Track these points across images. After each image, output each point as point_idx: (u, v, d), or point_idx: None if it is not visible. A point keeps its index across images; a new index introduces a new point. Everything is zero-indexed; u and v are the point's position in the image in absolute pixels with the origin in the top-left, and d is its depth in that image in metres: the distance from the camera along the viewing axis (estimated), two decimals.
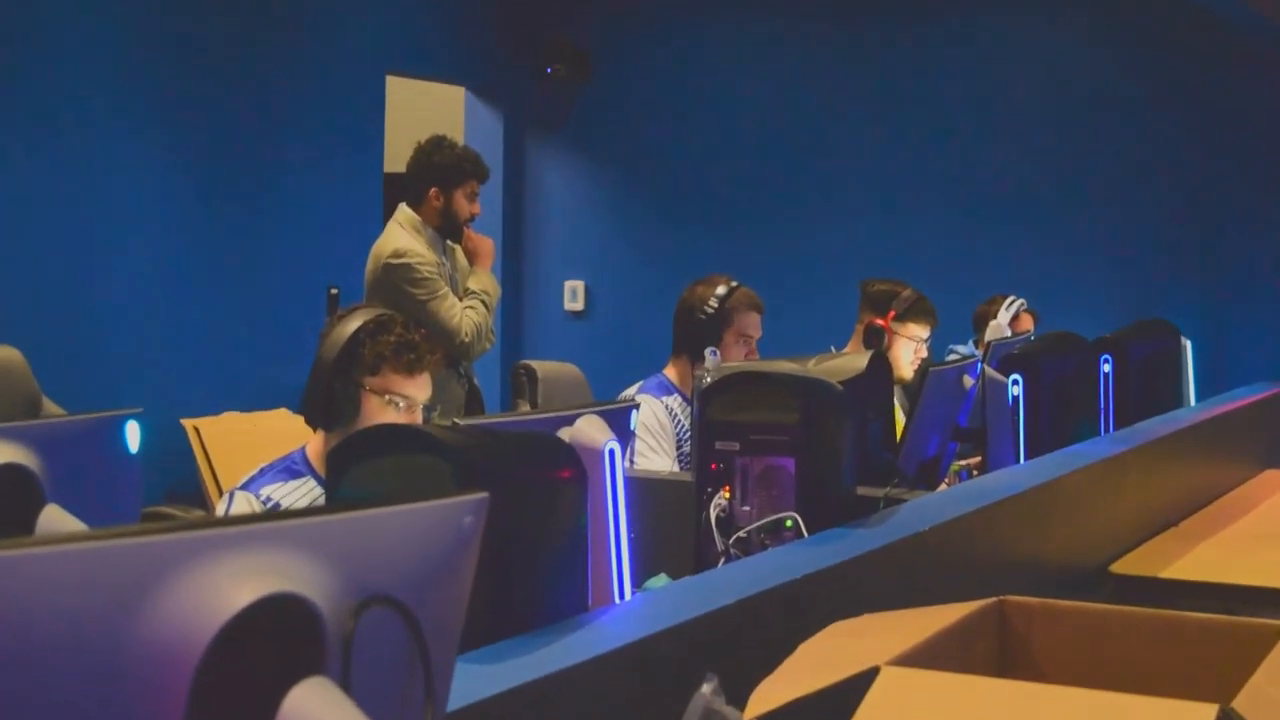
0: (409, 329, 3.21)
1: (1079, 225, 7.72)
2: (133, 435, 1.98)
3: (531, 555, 2.10)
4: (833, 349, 5.17)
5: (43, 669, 1.06)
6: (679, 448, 4.35)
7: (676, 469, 4.31)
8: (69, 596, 1.06)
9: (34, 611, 1.05)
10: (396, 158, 7.41)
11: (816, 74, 8.12)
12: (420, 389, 3.17)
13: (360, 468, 1.96)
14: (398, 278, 5.08)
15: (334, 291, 6.68)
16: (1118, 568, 3.70)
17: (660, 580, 2.98)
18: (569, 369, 4.69)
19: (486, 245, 5.36)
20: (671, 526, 3.13)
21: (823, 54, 8.12)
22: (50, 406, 4.46)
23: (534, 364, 4.51)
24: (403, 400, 3.15)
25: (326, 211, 6.72)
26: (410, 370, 3.14)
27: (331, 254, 6.73)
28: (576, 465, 2.24)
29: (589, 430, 2.59)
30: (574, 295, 8.38)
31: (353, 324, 3.18)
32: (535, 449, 2.21)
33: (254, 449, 5.08)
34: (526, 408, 4.35)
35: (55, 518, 1.71)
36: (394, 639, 1.24)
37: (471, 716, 1.65)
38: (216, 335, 6.15)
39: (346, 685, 1.16)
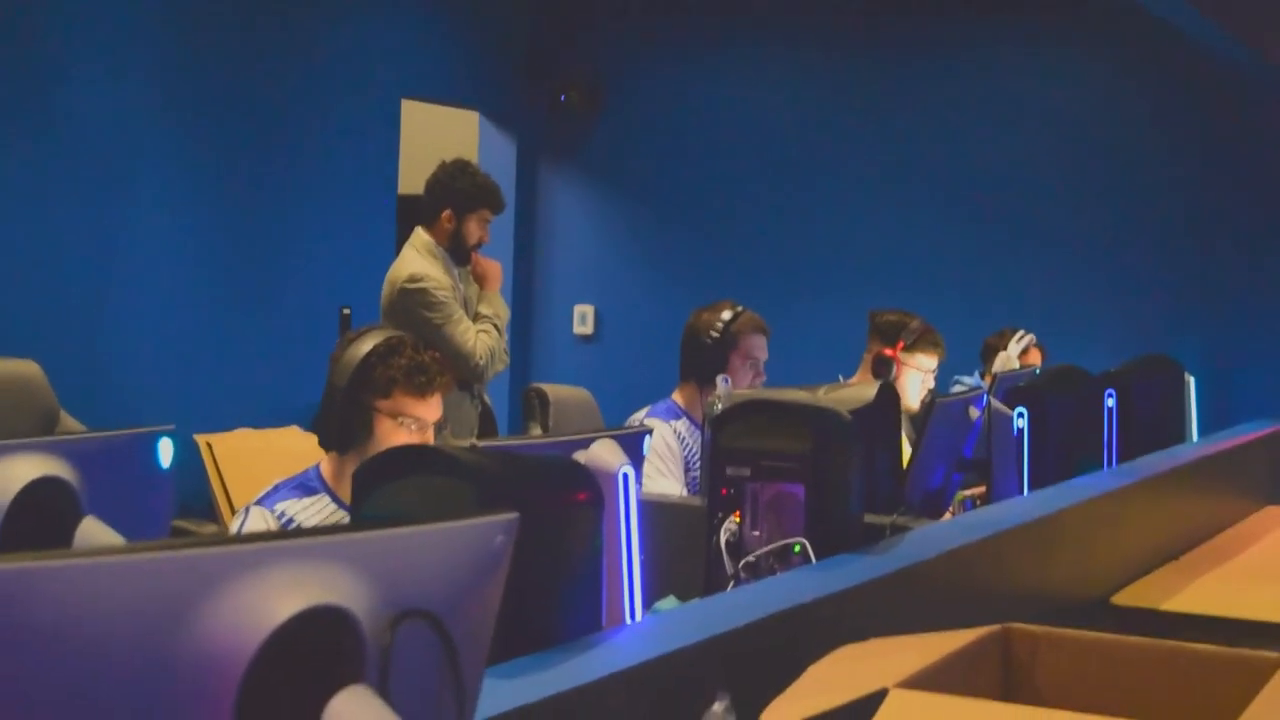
0: (419, 351, 3.25)
1: (1085, 260, 7.78)
2: (165, 451, 2.04)
3: (548, 575, 2.15)
4: (840, 378, 5.22)
5: (96, 676, 1.11)
6: (687, 472, 4.40)
7: (685, 493, 4.36)
8: (122, 606, 1.11)
9: (88, 620, 1.10)
10: (410, 180, 7.47)
11: (827, 104, 8.19)
12: (431, 410, 3.21)
13: (385, 487, 2.01)
14: (413, 302, 5.13)
15: (346, 311, 6.74)
16: (1119, 599, 3.74)
17: (670, 602, 3.03)
18: (580, 393, 4.74)
19: (495, 269, 5.41)
20: (680, 549, 3.18)
21: (834, 84, 8.19)
22: (68, 420, 4.51)
23: (545, 387, 4.56)
24: (414, 422, 3.19)
25: (341, 232, 6.78)
26: (421, 392, 3.19)
27: (345, 274, 6.79)
28: (593, 488, 2.29)
29: (603, 454, 2.64)
30: (583, 319, 8.43)
31: (364, 346, 3.22)
32: (553, 472, 2.26)
33: (265, 465, 5.13)
34: (538, 430, 4.41)
35: (93, 530, 1.76)
36: (428, 651, 1.29)
37: None
38: (231, 352, 6.21)
39: (385, 694, 1.21)
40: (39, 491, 1.79)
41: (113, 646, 1.11)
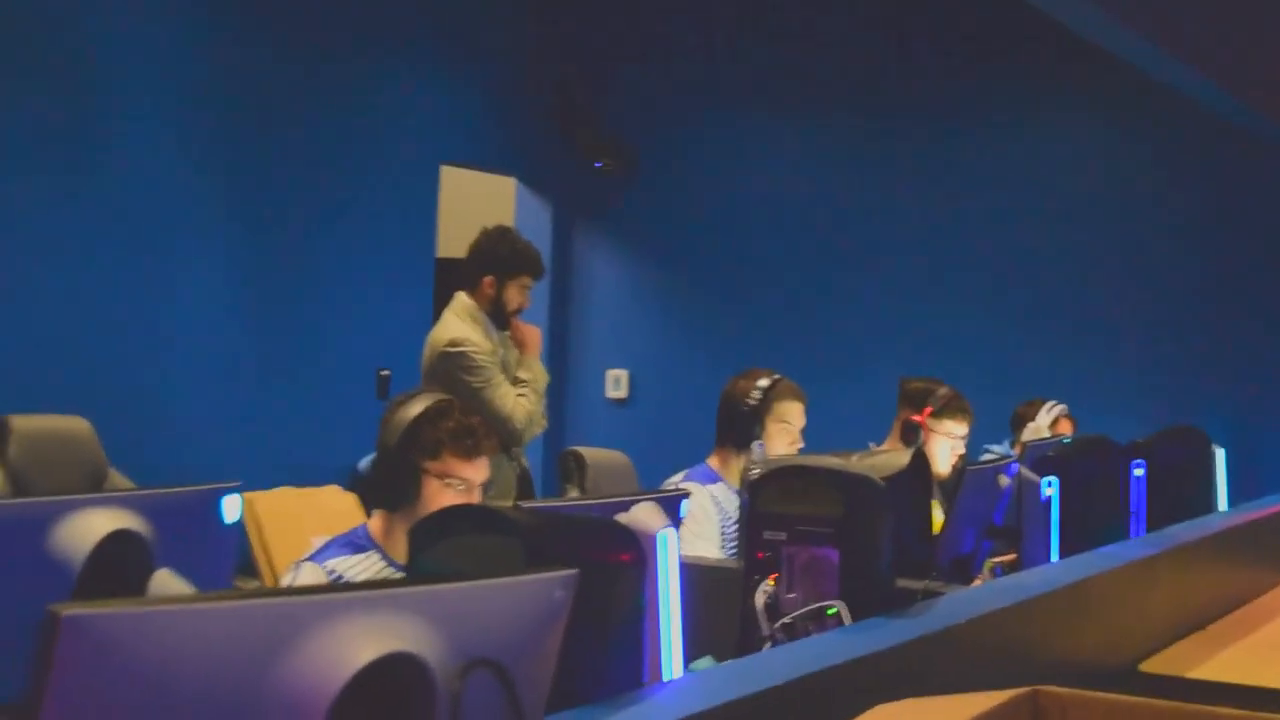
0: (467, 414, 3.34)
1: (1114, 332, 7.84)
2: (230, 507, 2.12)
3: (593, 632, 2.22)
4: (871, 445, 5.28)
5: (193, 714, 1.20)
6: (724, 535, 4.47)
7: (722, 555, 4.43)
8: (219, 649, 1.20)
9: (189, 661, 1.18)
10: (448, 244, 7.59)
11: (859, 174, 8.28)
12: (478, 472, 3.30)
13: (439, 544, 2.09)
14: (453, 365, 5.21)
15: (385, 373, 6.84)
16: (1147, 667, 3.78)
17: (706, 662, 3.09)
18: (616, 456, 4.80)
19: (534, 335, 5.50)
20: (716, 611, 3.24)
21: (866, 155, 8.29)
22: (116, 477, 4.60)
23: (582, 450, 4.63)
24: (461, 483, 3.27)
25: (379, 295, 6.89)
26: (469, 455, 3.27)
27: (383, 336, 6.89)
28: (637, 549, 2.37)
29: (644, 516, 2.72)
30: (617, 384, 8.52)
31: (414, 409, 3.31)
32: (599, 532, 2.34)
33: (305, 523, 5.21)
34: (575, 492, 4.48)
35: (166, 581, 1.85)
36: (492, 698, 1.36)
37: None
38: (272, 411, 6.30)
39: None
40: (115, 544, 1.88)
41: (210, 686, 1.19)
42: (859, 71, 8.32)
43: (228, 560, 2.13)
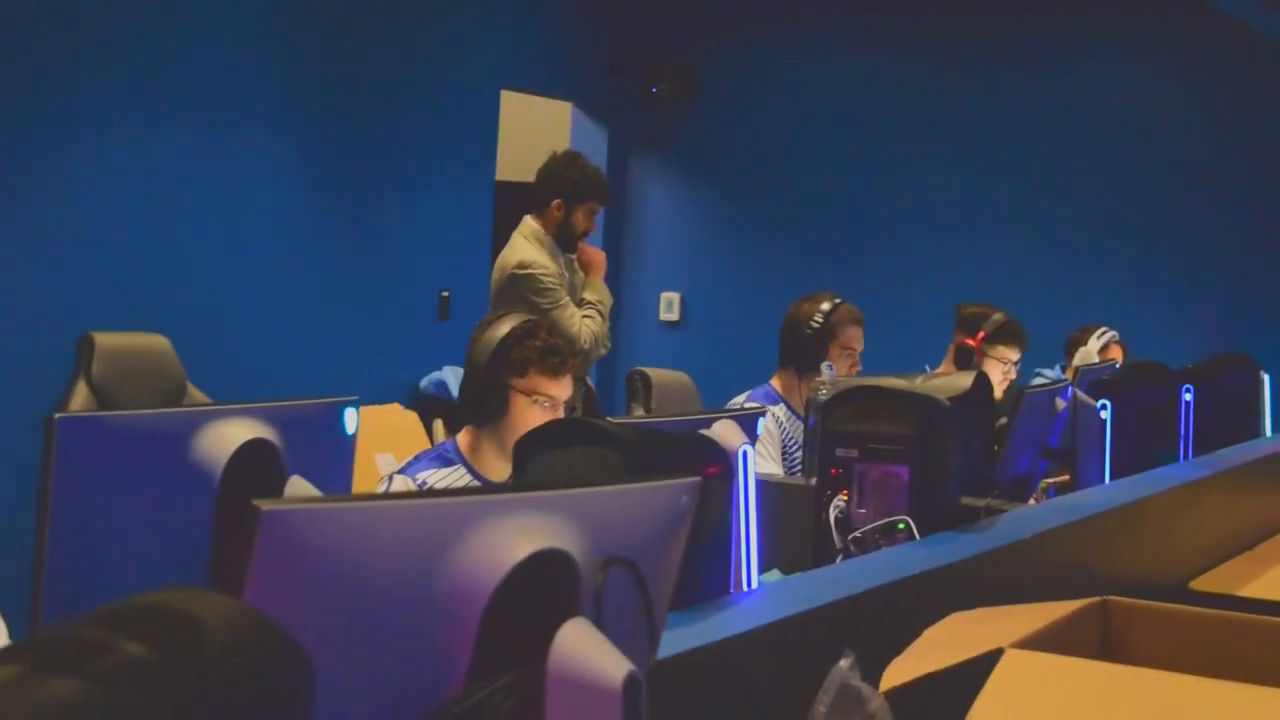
0: (552, 334, 3.47)
1: (1166, 259, 7.90)
2: (350, 419, 2.25)
3: (690, 540, 2.34)
4: (927, 367, 5.39)
5: (373, 601, 1.32)
6: (784, 454, 4.58)
7: (782, 474, 4.54)
8: (391, 545, 1.33)
9: (370, 554, 1.31)
10: (505, 168, 7.69)
11: (914, 98, 8.33)
12: (563, 389, 3.42)
13: (545, 454, 2.21)
14: (522, 287, 5.31)
15: (445, 294, 6.96)
16: (1198, 584, 3.89)
17: (774, 575, 3.22)
18: (679, 376, 4.92)
19: (600, 258, 5.60)
20: (783, 526, 3.37)
21: (921, 79, 8.33)
22: (194, 392, 4.74)
23: (647, 370, 4.75)
24: (547, 400, 3.40)
25: (441, 218, 6.99)
26: (555, 372, 3.40)
27: (445, 258, 7.00)
28: (725, 462, 2.49)
29: (726, 433, 2.84)
30: (669, 306, 8.63)
31: (501, 329, 3.43)
32: (692, 446, 2.46)
33: (367, 440, 5.32)
34: (641, 411, 4.59)
35: (301, 487, 1.97)
36: (626, 594, 1.48)
37: None
38: (337, 332, 6.42)
39: (600, 628, 1.41)
40: (251, 452, 2.00)
41: (388, 578, 1.32)
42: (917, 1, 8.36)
43: (347, 469, 2.26)
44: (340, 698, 1.27)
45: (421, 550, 1.34)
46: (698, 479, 1.60)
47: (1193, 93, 7.96)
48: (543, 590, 1.40)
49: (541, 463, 2.20)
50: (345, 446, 2.25)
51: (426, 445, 5.79)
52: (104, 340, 4.55)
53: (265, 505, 1.25)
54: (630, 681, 1.34)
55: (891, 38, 8.41)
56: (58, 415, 1.85)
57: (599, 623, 1.41)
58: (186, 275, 5.73)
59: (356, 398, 2.27)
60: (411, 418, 6.26)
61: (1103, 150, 8.03)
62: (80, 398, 4.47)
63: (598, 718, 1.35)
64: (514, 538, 1.38)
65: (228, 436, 1.98)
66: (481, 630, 1.36)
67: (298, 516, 1.27)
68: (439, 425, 6.04)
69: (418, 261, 6.85)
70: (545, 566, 1.39)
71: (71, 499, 1.87)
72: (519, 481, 1.91)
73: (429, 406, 6.11)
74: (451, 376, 6.25)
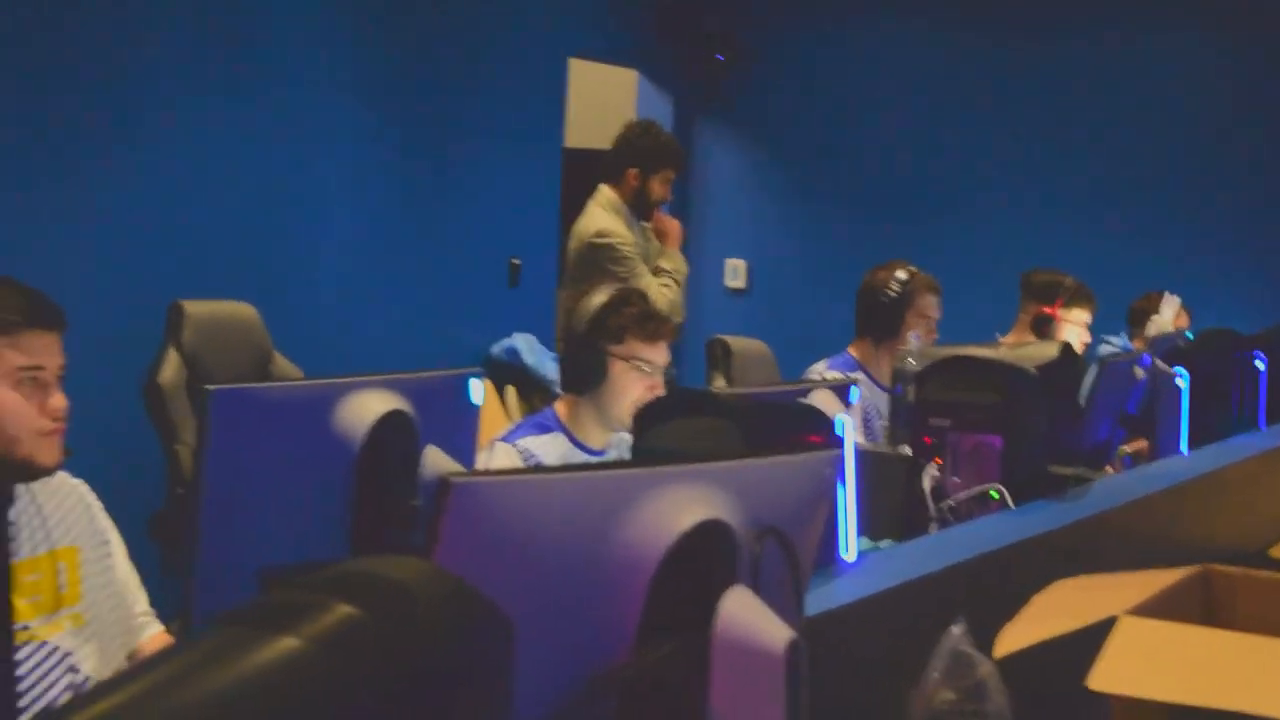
0: (647, 302, 3.54)
1: (1228, 224, 7.87)
2: (475, 390, 2.32)
3: None
4: (997, 336, 5.43)
5: (549, 569, 1.38)
6: (866, 424, 4.61)
7: (863, 441, 4.58)
8: (573, 513, 1.39)
9: (550, 524, 1.37)
10: (571, 134, 7.73)
11: (981, 66, 8.31)
12: (661, 355, 3.48)
13: (664, 424, 2.27)
14: (600, 256, 5.35)
15: (516, 262, 7.01)
16: (1277, 552, 3.93)
17: (864, 542, 3.28)
18: (757, 345, 4.98)
19: (675, 227, 5.64)
20: (871, 494, 3.43)
21: (988, 48, 8.32)
22: (281, 361, 4.83)
23: (727, 339, 4.81)
24: (646, 364, 3.46)
25: (510, 186, 7.03)
26: (651, 338, 3.46)
27: (514, 226, 7.05)
28: (830, 432, 2.54)
29: (824, 402, 2.90)
30: (735, 273, 8.67)
31: (599, 298, 3.50)
32: (799, 416, 2.51)
33: None
34: (721, 380, 4.66)
35: (437, 458, 2.04)
36: (776, 561, 1.54)
37: None
38: (410, 299, 6.47)
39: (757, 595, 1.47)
40: (390, 422, 2.07)
41: (565, 547, 1.38)
42: None
43: (472, 439, 2.32)
44: (517, 662, 1.33)
45: (594, 520, 1.40)
46: (838, 452, 1.66)
47: (1257, 61, 7.93)
48: (705, 559, 1.46)
49: (663, 432, 2.26)
50: (470, 415, 2.32)
51: (499, 412, 5.85)
52: (193, 309, 4.63)
53: (456, 478, 1.31)
54: (794, 647, 1.40)
55: (953, 8, 8.41)
56: (212, 387, 1.91)
57: (756, 590, 1.47)
58: (266, 244, 5.81)
59: (480, 369, 2.34)
60: (482, 384, 6.32)
61: (1162, 117, 8.00)
62: (171, 365, 4.56)
63: (762, 682, 1.41)
64: (680, 508, 1.44)
65: (367, 408, 2.05)
66: (648, 596, 1.42)
67: (484, 488, 1.33)
68: (511, 392, 6.09)
69: (488, 229, 6.90)
70: (707, 536, 1.45)
71: (224, 467, 1.94)
72: (674, 452, 1.96)
73: (500, 373, 6.16)
74: (522, 343, 6.31)
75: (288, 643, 0.97)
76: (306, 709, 0.95)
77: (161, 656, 0.97)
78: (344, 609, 1.01)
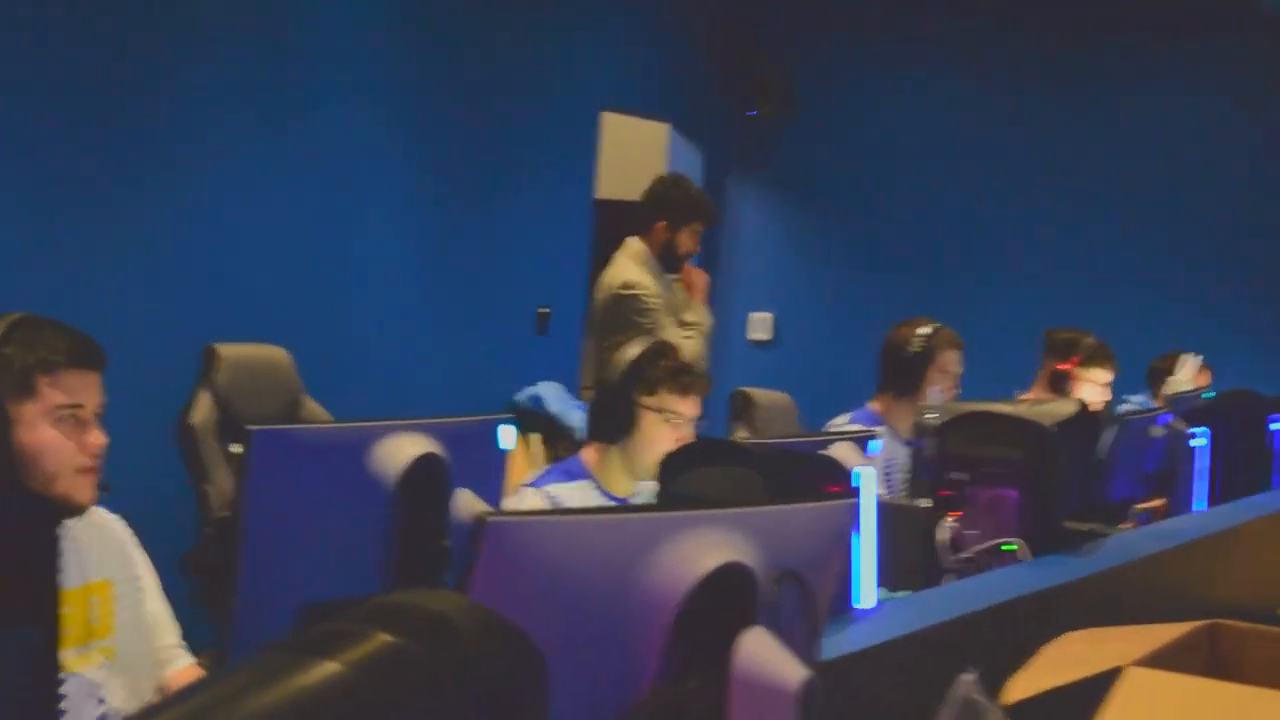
0: (681, 356, 3.62)
1: (1248, 283, 7.92)
2: (505, 436, 2.39)
3: None
4: (1016, 392, 5.48)
5: (577, 606, 1.45)
6: (886, 476, 4.65)
7: (883, 493, 4.62)
8: (600, 554, 1.46)
9: (578, 563, 1.44)
10: (602, 185, 7.82)
11: (1010, 124, 8.37)
12: (692, 408, 3.55)
13: (688, 473, 2.34)
14: (626, 307, 5.42)
15: (544, 311, 7.09)
16: None
17: (883, 593, 3.33)
18: (780, 396, 5.04)
19: (703, 279, 5.70)
20: (890, 545, 3.49)
21: (1017, 105, 8.38)
22: (311, 404, 4.90)
23: (749, 390, 4.87)
24: (677, 417, 3.53)
25: (541, 236, 7.12)
26: (684, 391, 3.53)
27: (545, 275, 7.14)
28: (849, 483, 2.61)
29: (845, 454, 2.97)
30: (760, 326, 8.73)
31: (633, 350, 3.58)
32: (820, 467, 2.58)
33: None
34: (744, 431, 4.72)
35: (468, 499, 2.11)
36: (793, 604, 1.61)
37: None
38: (442, 347, 6.54)
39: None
40: (423, 465, 2.14)
41: (592, 585, 1.45)
42: (1018, 22, 8.40)
43: (499, 483, 2.40)
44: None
45: (621, 560, 1.47)
46: (854, 501, 1.73)
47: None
48: (725, 600, 1.53)
49: (688, 479, 2.33)
50: (499, 461, 2.39)
51: (523, 458, 5.90)
52: (227, 351, 4.72)
53: (489, 516, 1.39)
54: (808, 686, 1.46)
55: (986, 65, 8.48)
56: (254, 428, 1.99)
57: (774, 631, 1.54)
58: (300, 289, 5.89)
59: (512, 415, 2.41)
60: (507, 432, 6.37)
61: (1184, 173, 8.06)
62: (203, 407, 4.64)
63: (778, 718, 1.47)
64: (702, 551, 1.50)
65: (402, 451, 2.12)
66: (671, 634, 1.49)
67: (518, 528, 1.40)
68: (535, 439, 6.16)
69: (518, 277, 6.99)
70: (728, 578, 1.52)
71: (264, 506, 2.01)
72: (699, 499, 2.03)
73: (525, 420, 6.23)
74: (547, 392, 6.38)
75: (330, 667, 1.01)
76: None
77: (205, 681, 1.01)
78: (385, 637, 1.06)
